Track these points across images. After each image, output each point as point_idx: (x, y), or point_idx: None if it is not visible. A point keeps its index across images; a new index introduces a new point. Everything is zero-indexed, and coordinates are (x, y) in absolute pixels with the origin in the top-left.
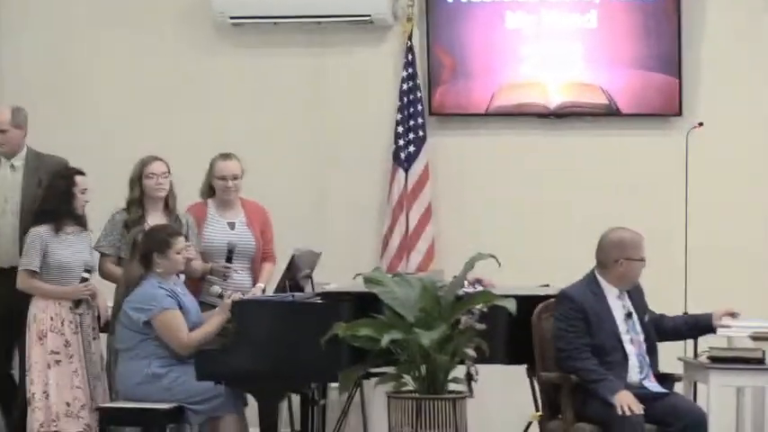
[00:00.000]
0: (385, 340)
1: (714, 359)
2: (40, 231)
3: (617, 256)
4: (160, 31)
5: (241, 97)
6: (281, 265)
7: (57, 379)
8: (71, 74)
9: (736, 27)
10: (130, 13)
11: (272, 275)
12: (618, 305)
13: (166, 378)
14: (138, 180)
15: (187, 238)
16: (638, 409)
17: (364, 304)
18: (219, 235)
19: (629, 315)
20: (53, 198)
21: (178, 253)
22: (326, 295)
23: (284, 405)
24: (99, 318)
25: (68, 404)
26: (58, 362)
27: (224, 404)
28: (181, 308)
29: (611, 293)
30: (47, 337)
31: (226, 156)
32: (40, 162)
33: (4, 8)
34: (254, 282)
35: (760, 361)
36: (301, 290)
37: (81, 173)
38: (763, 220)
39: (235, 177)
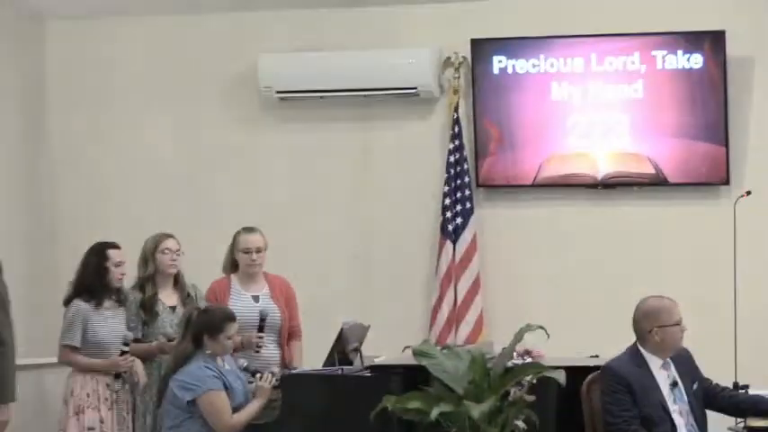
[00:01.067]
0: (434, 413)
1: (753, 429)
2: (81, 307)
3: (650, 325)
4: (207, 106)
5: (287, 171)
6: (330, 337)
7: None
8: (116, 145)
9: None
10: (177, 87)
11: (302, 354)
12: (663, 375)
13: None
14: (152, 256)
15: None
16: None
17: (414, 377)
18: (245, 308)
19: (674, 384)
20: (88, 274)
21: (229, 338)
22: (376, 368)
23: None
24: (137, 383)
25: None
26: None
27: None
28: (227, 388)
29: (655, 364)
30: (84, 413)
31: (249, 229)
32: None
33: (52, 81)
34: (282, 357)
35: None
36: (350, 363)
37: (114, 246)
38: None
39: (258, 250)
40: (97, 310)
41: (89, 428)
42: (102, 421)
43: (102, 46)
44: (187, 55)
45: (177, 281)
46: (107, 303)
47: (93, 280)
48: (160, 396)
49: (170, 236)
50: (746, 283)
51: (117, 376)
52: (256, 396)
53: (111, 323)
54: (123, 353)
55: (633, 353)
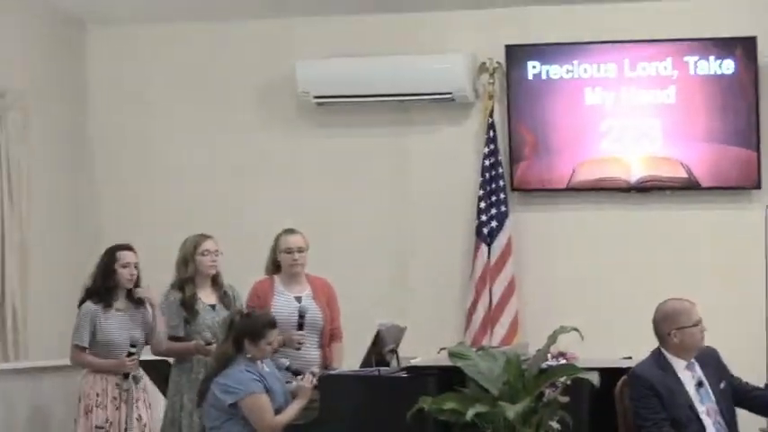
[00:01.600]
0: (470, 413)
1: None
2: (91, 308)
3: (669, 328)
4: (245, 110)
5: (325, 175)
6: (368, 338)
7: None
8: (157, 148)
9: None
10: (216, 92)
11: (343, 355)
12: (687, 376)
13: None
14: (192, 257)
15: (228, 308)
16: None
17: (449, 378)
18: (287, 308)
19: (699, 385)
20: (95, 276)
21: (269, 344)
22: (412, 369)
23: None
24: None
25: None
26: None
27: None
28: (267, 391)
29: (679, 365)
30: (92, 413)
31: (290, 230)
32: None
33: (94, 85)
34: (323, 358)
35: None
36: (387, 364)
37: (125, 248)
38: None
39: (300, 250)
40: (106, 311)
41: (97, 427)
42: (108, 420)
43: (143, 51)
44: (226, 60)
45: (215, 280)
46: (118, 304)
47: (101, 282)
48: (201, 397)
49: (209, 237)
50: None
51: (126, 376)
52: (298, 396)
53: (120, 324)
54: (130, 354)
55: (656, 356)
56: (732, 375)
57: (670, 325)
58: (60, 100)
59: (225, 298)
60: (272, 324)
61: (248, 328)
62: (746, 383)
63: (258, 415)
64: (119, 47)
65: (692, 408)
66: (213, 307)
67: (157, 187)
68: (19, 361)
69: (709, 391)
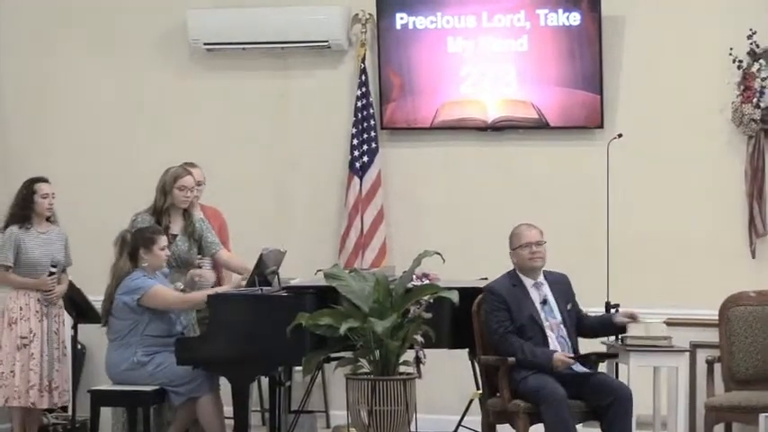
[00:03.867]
0: (343, 328)
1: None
2: (14, 231)
3: (510, 249)
4: (142, 55)
5: (213, 115)
6: (252, 261)
7: (22, 360)
8: (62, 87)
9: (650, 49)
10: (116, 39)
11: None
12: (534, 293)
13: (150, 365)
14: (170, 190)
15: (191, 238)
16: (571, 360)
17: (325, 297)
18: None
19: (544, 302)
20: (16, 204)
21: (161, 249)
22: (291, 289)
23: (254, 386)
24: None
25: (29, 383)
26: (25, 345)
27: (201, 386)
28: None
29: (528, 283)
30: (16, 324)
31: (190, 164)
32: None
33: (3, 25)
34: (217, 279)
35: (669, 346)
36: (269, 284)
37: (43, 180)
38: (671, 216)
39: (199, 183)
40: (29, 234)
41: (21, 337)
42: (31, 331)
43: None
44: (125, 11)
45: (185, 211)
46: (42, 228)
47: (20, 208)
48: (105, 317)
49: (189, 173)
50: (617, 214)
51: (47, 293)
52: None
53: (45, 245)
54: (51, 273)
55: (512, 275)
56: (576, 303)
57: (510, 246)
58: None
59: (188, 227)
60: (160, 231)
61: (140, 239)
62: (580, 311)
63: (162, 297)
64: None
65: (534, 320)
66: (175, 237)
67: (62, 122)
68: None
69: (554, 309)
